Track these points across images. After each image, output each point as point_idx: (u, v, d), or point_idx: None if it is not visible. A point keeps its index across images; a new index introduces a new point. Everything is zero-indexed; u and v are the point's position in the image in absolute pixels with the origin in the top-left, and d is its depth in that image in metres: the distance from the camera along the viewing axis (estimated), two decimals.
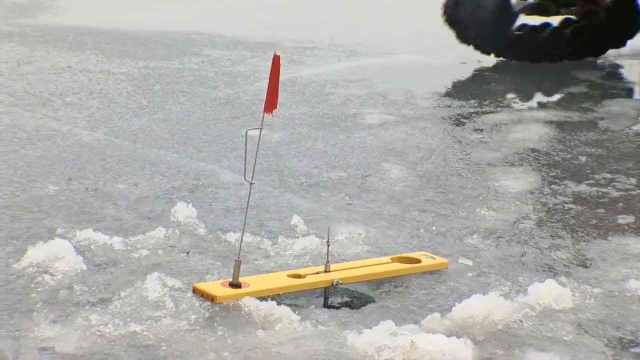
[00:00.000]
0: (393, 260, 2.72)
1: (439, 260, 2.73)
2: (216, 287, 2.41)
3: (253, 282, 2.45)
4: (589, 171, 3.68)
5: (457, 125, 4.03)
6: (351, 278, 2.57)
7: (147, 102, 5.18)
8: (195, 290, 2.40)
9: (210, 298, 2.37)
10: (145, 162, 3.53)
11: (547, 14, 7.83)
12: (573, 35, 7.77)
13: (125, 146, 3.92)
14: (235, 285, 2.42)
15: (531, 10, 7.75)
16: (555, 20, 8.00)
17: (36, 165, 3.51)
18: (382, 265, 2.69)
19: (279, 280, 2.50)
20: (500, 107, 4.21)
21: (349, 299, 2.52)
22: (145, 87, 5.77)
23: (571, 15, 8.04)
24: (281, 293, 2.46)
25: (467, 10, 6.79)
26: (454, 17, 6.76)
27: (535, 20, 7.86)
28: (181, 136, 4.02)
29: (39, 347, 2.14)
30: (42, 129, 4.45)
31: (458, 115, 4.69)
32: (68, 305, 2.34)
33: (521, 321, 2.37)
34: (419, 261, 2.72)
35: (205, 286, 2.41)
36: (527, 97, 4.68)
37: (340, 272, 2.55)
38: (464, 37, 6.84)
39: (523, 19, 7.72)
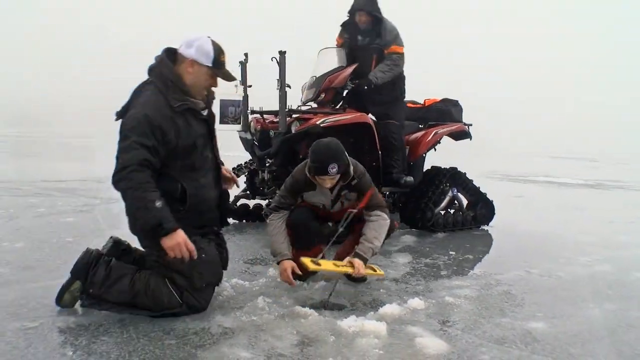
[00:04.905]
0: (367, 267, 2.76)
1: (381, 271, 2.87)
2: (308, 262, 2.65)
3: (323, 264, 2.70)
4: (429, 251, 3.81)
5: None
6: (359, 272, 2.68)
7: None
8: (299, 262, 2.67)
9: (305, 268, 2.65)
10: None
11: None
12: None
13: None
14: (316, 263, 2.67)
15: None
16: None
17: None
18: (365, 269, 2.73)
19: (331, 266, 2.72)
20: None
21: (338, 305, 2.59)
22: None
23: None
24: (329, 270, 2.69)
25: None
26: None
27: None
28: None
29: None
30: None
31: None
32: (231, 301, 2.55)
33: (405, 314, 2.51)
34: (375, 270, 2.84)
35: (304, 260, 2.66)
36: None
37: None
38: None
39: None
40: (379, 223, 2.78)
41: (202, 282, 2.36)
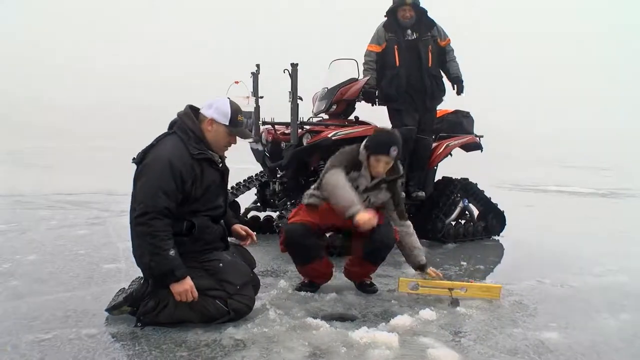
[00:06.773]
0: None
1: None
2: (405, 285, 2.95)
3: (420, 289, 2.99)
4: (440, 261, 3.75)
5: None
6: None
7: None
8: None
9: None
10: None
11: None
12: None
13: None
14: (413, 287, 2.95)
15: None
16: None
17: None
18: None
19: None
20: None
21: (349, 317, 2.59)
22: None
23: None
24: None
25: None
26: None
27: None
28: None
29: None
30: None
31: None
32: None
33: (417, 325, 2.51)
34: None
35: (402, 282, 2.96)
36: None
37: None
38: None
39: None
40: (415, 236, 3.05)
41: (234, 286, 2.43)
